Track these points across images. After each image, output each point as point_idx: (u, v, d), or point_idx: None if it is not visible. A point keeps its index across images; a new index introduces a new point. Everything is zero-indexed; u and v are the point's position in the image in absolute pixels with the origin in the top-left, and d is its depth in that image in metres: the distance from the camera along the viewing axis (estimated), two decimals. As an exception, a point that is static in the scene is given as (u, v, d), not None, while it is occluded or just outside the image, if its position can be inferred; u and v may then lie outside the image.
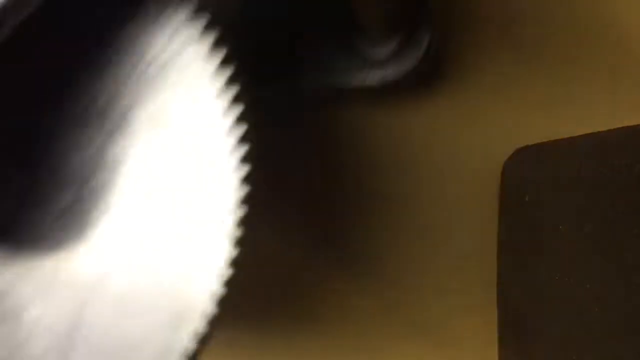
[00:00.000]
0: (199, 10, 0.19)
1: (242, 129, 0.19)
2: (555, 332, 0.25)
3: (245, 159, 0.19)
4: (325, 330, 0.31)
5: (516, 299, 0.28)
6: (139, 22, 0.19)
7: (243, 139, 0.19)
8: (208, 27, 0.19)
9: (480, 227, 0.30)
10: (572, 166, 0.25)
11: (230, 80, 0.19)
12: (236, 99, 0.19)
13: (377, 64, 0.29)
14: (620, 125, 0.24)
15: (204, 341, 0.19)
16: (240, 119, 0.19)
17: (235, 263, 0.19)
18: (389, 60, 0.28)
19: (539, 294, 0.26)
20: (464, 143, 0.30)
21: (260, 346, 0.31)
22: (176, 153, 0.19)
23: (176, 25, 0.19)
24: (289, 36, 0.28)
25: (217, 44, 0.19)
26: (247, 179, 0.19)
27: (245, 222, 0.19)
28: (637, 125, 0.24)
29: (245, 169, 0.19)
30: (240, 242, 0.19)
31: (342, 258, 0.31)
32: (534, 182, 0.27)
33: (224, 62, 0.19)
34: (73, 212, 0.19)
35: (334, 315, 0.31)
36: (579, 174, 0.25)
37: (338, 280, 0.31)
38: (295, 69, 0.29)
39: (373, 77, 0.29)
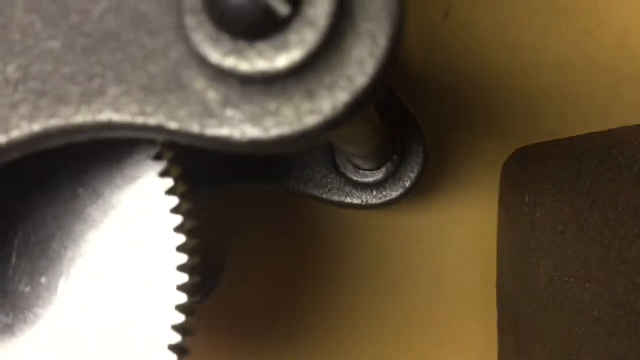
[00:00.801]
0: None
1: (187, 244, 0.19)
2: (555, 332, 0.25)
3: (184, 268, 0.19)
4: (324, 331, 0.31)
5: (516, 299, 0.28)
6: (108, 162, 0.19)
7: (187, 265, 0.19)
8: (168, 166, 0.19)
9: (480, 227, 0.30)
10: (572, 166, 0.25)
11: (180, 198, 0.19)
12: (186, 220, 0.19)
13: (360, 186, 0.27)
14: (620, 125, 0.24)
15: None
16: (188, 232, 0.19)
17: None
18: (373, 186, 0.27)
19: (539, 294, 0.26)
20: (463, 145, 0.30)
21: (262, 351, 0.31)
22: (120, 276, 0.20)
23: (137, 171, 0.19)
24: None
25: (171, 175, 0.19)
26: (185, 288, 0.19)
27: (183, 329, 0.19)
28: (637, 125, 0.23)
29: (184, 277, 0.19)
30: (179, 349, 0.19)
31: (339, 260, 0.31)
32: (534, 182, 0.27)
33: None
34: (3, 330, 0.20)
35: (333, 316, 0.31)
36: (579, 174, 0.25)
37: (336, 282, 0.31)
38: (272, 174, 0.28)
39: (353, 198, 0.28)
